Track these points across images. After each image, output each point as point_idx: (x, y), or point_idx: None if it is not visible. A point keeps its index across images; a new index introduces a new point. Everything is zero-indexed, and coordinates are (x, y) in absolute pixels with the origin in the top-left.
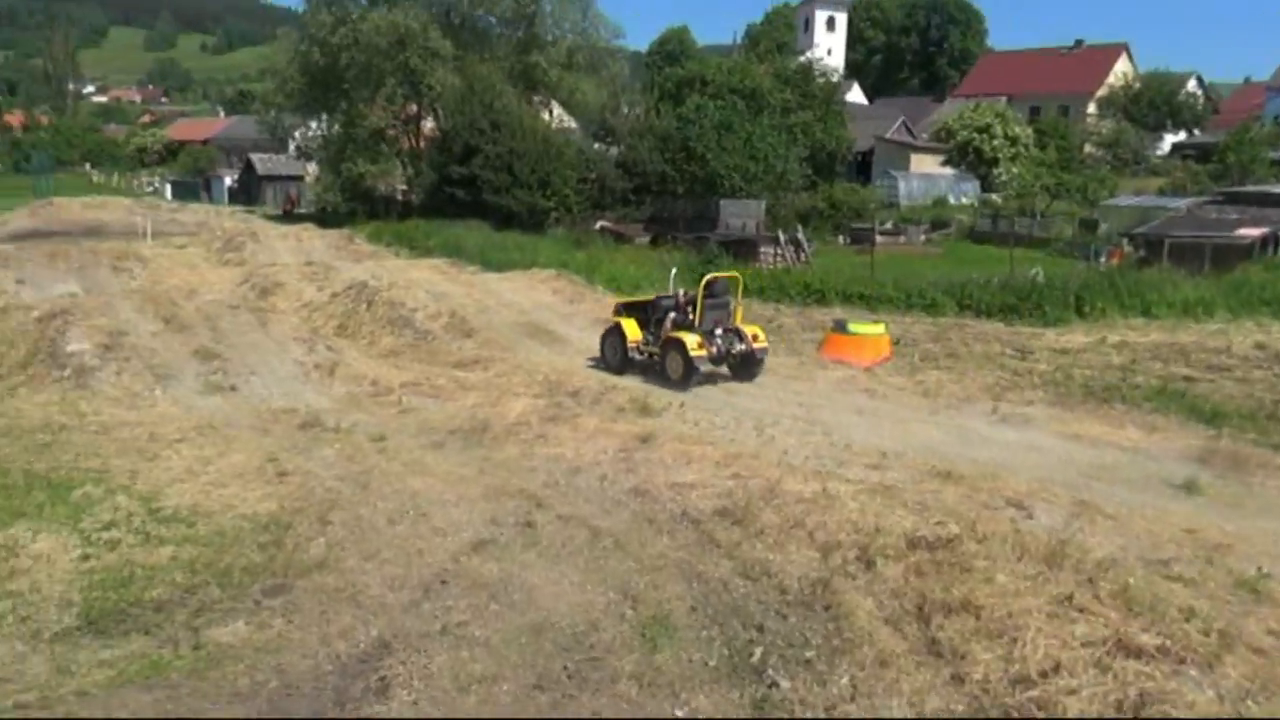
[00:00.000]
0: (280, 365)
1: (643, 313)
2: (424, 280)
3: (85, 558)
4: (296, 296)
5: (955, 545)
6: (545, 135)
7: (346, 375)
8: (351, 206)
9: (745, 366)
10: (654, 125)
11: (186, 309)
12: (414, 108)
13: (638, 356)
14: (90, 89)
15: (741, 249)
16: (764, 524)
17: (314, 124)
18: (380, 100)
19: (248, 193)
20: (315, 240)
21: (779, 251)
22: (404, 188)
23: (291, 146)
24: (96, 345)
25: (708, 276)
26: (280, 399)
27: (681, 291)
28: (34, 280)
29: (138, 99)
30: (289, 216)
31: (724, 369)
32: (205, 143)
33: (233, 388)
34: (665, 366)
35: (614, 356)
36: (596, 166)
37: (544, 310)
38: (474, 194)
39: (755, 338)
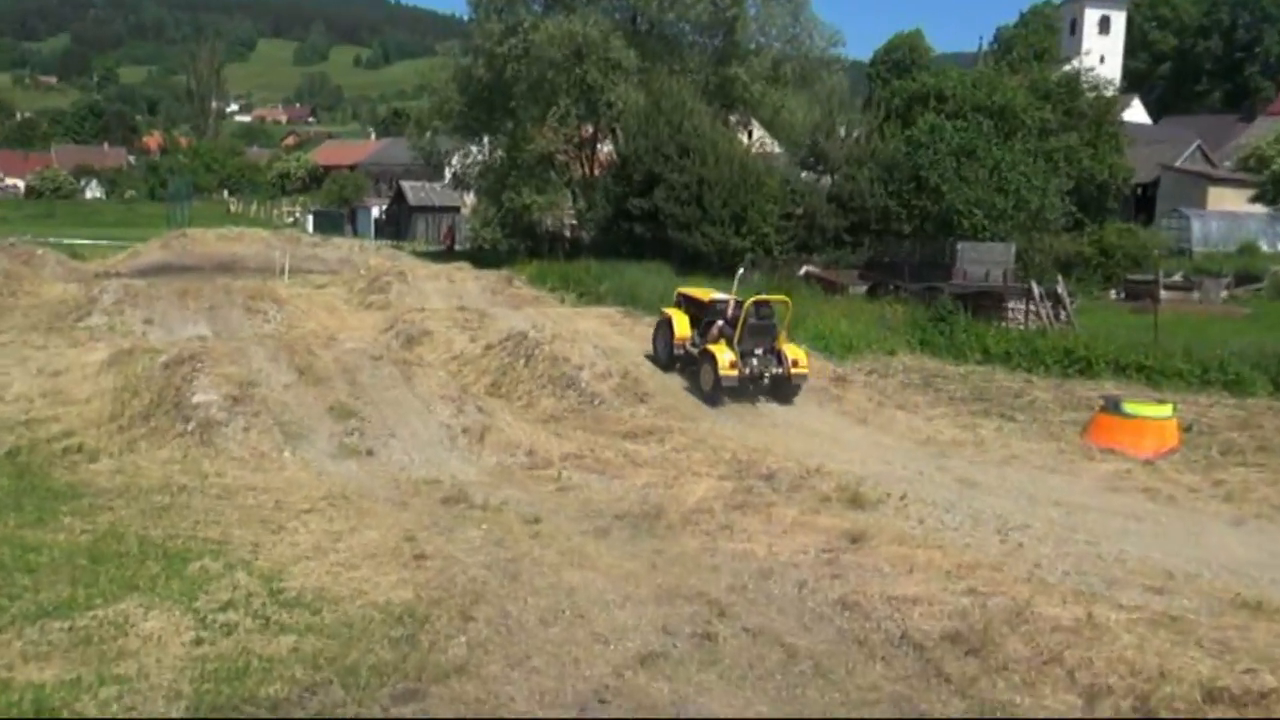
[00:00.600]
0: (424, 427)
1: (698, 310)
2: (592, 332)
3: (199, 642)
4: (446, 347)
5: (1270, 702)
6: (743, 162)
7: (498, 442)
8: (512, 243)
9: (780, 390)
10: (877, 150)
11: (323, 358)
12: (589, 129)
13: (681, 354)
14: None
15: (983, 303)
16: (1008, 656)
17: (474, 148)
18: (551, 121)
19: (396, 225)
20: (469, 282)
21: (1032, 308)
22: (573, 222)
23: (448, 174)
24: (224, 397)
25: (755, 298)
26: (422, 467)
27: (734, 300)
28: (163, 321)
29: (284, 119)
30: (449, 253)
31: (761, 388)
32: (353, 168)
33: (369, 452)
34: (699, 373)
35: (664, 351)
36: (804, 200)
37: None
38: (655, 230)
39: (796, 363)
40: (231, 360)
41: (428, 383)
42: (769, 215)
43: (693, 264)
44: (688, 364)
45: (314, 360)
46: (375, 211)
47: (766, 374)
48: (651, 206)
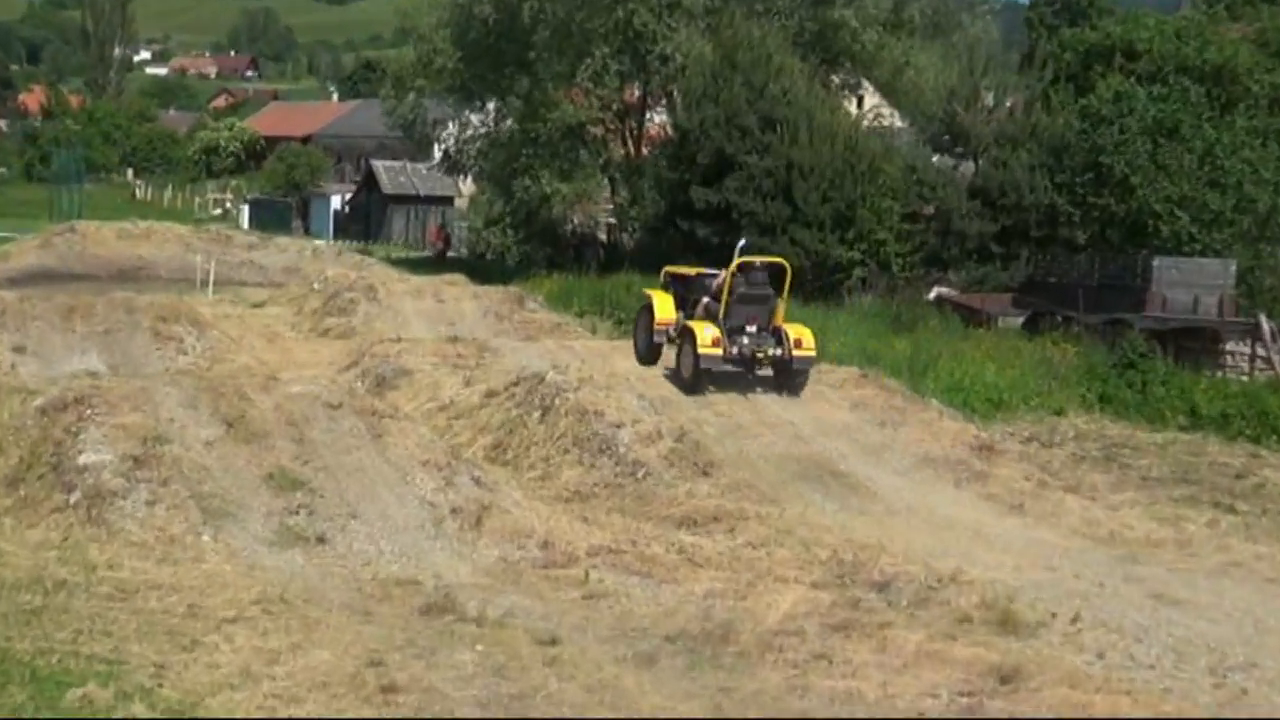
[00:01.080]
0: (398, 505)
1: (684, 288)
2: (636, 375)
3: None
4: (431, 393)
5: None
6: (851, 140)
7: (502, 529)
8: (526, 249)
9: (783, 376)
10: (1039, 126)
11: (260, 406)
12: (635, 92)
13: (662, 342)
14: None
15: (1189, 344)
16: None
17: (474, 117)
18: (582, 80)
19: (365, 221)
20: (466, 302)
21: (1260, 351)
22: (611, 221)
23: (437, 152)
24: (122, 457)
25: (741, 259)
26: (394, 561)
27: (725, 273)
28: (40, 349)
29: (213, 71)
30: (440, 261)
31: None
32: (306, 140)
33: (321, 538)
34: (677, 360)
35: (644, 342)
36: (935, 194)
37: (836, 436)
38: (725, 233)
39: (799, 342)
40: (133, 406)
41: (405, 443)
42: (886, 216)
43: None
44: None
45: (247, 408)
46: (336, 202)
47: (761, 355)
48: (721, 201)
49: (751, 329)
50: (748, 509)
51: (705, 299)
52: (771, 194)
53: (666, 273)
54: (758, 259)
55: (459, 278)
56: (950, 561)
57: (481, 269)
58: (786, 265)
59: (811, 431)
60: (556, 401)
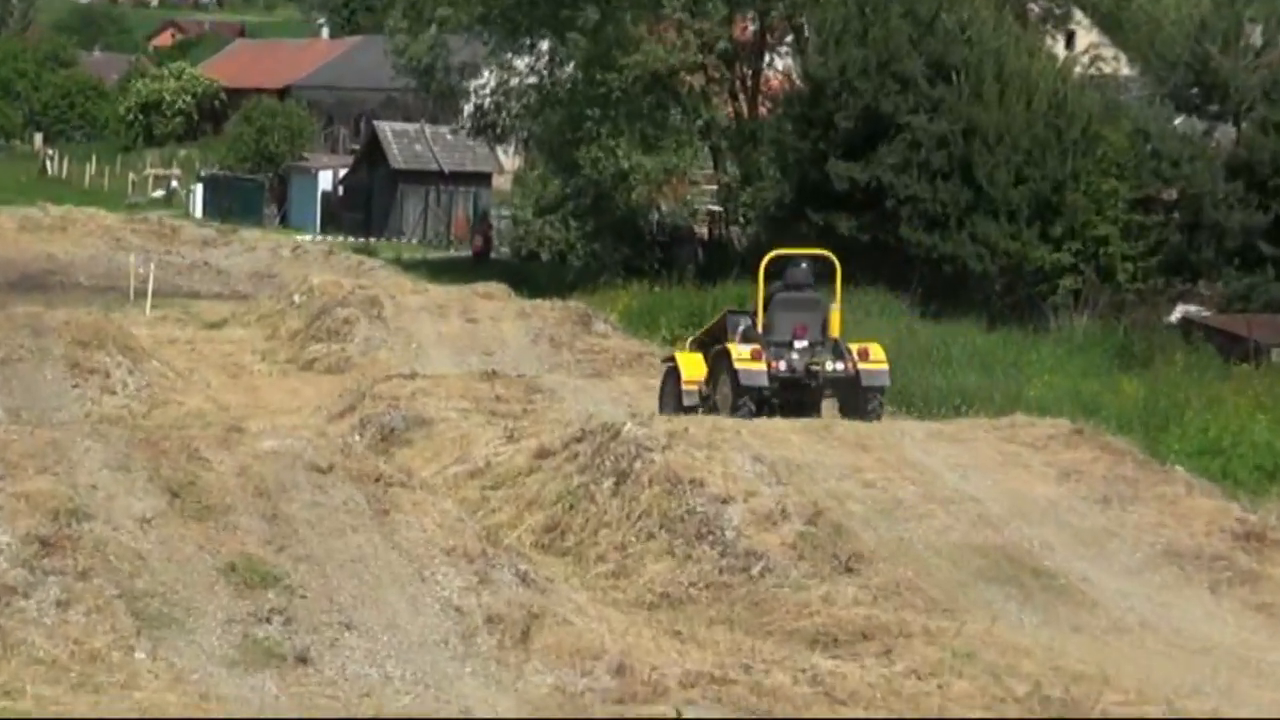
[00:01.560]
0: (411, 612)
1: (712, 339)
2: (751, 429)
3: None
4: (458, 452)
5: None
6: (1057, 96)
7: (558, 646)
8: (594, 248)
9: (850, 400)
10: None
11: (218, 469)
12: (749, 26)
13: (694, 404)
14: None
15: None
16: None
17: (518, 61)
18: (674, 9)
19: (366, 207)
20: (509, 322)
21: None
22: (711, 206)
23: (466, 111)
24: (24, 540)
25: (777, 253)
26: (405, 691)
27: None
28: None
29: None
30: (479, 263)
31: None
32: (284, 94)
33: (302, 658)
34: (714, 395)
35: (669, 409)
36: (1179, 172)
37: (1038, 517)
38: (880, 228)
39: (864, 353)
40: (40, 468)
41: (421, 522)
42: (1108, 203)
43: (953, 293)
44: (707, 410)
45: (200, 472)
46: (325, 180)
47: (818, 371)
48: (870, 180)
49: (800, 343)
50: (910, 622)
51: (742, 327)
52: (944, 171)
53: (693, 341)
54: (796, 251)
55: (499, 288)
56: (1205, 701)
57: (531, 275)
58: (833, 258)
59: (1002, 511)
60: (637, 465)
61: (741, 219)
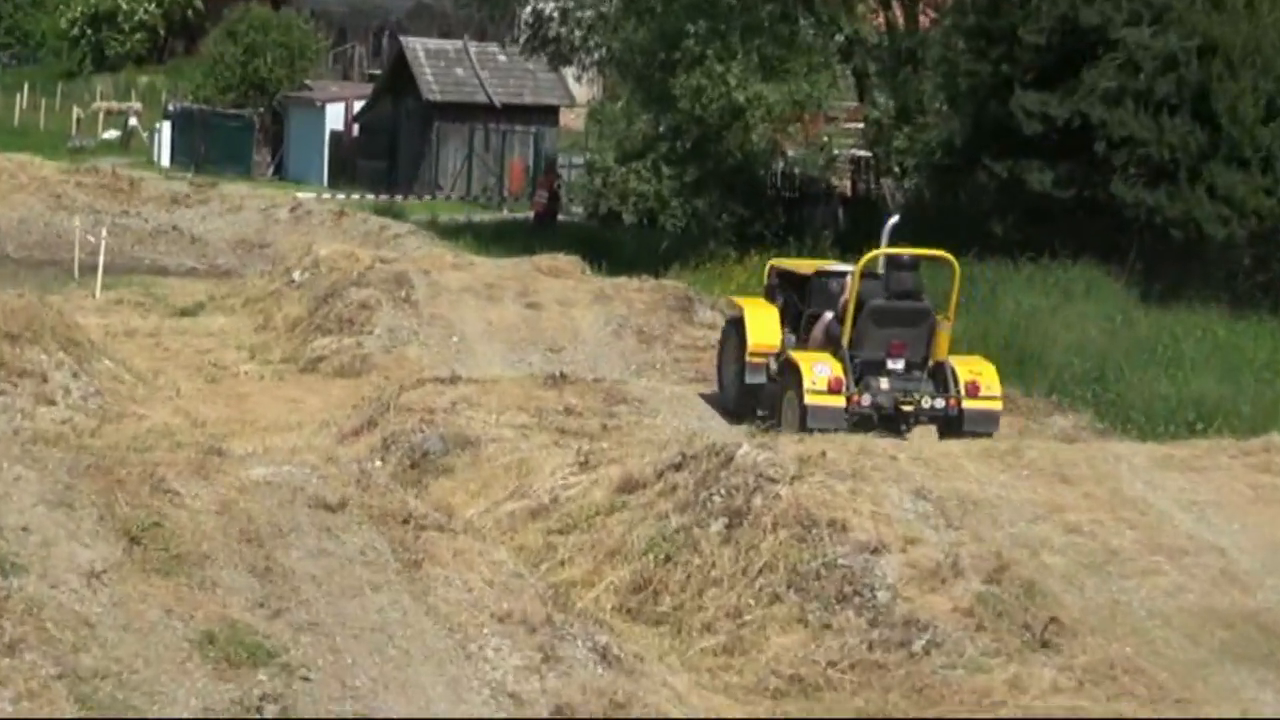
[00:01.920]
0: (451, 698)
1: (797, 292)
2: (908, 454)
3: None
4: (512, 483)
5: None
6: None
7: None
8: (697, 207)
9: (950, 429)
10: None
11: (192, 505)
12: None
13: (760, 383)
14: None
15: None
16: None
17: None
18: None
19: (391, 153)
20: (582, 308)
21: None
22: (859, 152)
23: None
24: None
25: (881, 251)
26: None
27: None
28: None
29: None
30: (540, 226)
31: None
32: (278, 1)
33: None
34: (781, 412)
35: (733, 381)
36: None
37: None
38: (1082, 180)
39: (974, 386)
40: None
41: (465, 578)
42: None
43: (1184, 269)
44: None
45: (167, 510)
46: (335, 117)
47: (912, 408)
48: (1072, 117)
49: (896, 365)
50: (1131, 713)
51: (828, 315)
52: (1171, 104)
53: (773, 269)
54: (905, 250)
55: (570, 261)
56: None
57: (611, 244)
58: (953, 261)
59: (1255, 566)
60: (756, 502)
61: (896, 168)
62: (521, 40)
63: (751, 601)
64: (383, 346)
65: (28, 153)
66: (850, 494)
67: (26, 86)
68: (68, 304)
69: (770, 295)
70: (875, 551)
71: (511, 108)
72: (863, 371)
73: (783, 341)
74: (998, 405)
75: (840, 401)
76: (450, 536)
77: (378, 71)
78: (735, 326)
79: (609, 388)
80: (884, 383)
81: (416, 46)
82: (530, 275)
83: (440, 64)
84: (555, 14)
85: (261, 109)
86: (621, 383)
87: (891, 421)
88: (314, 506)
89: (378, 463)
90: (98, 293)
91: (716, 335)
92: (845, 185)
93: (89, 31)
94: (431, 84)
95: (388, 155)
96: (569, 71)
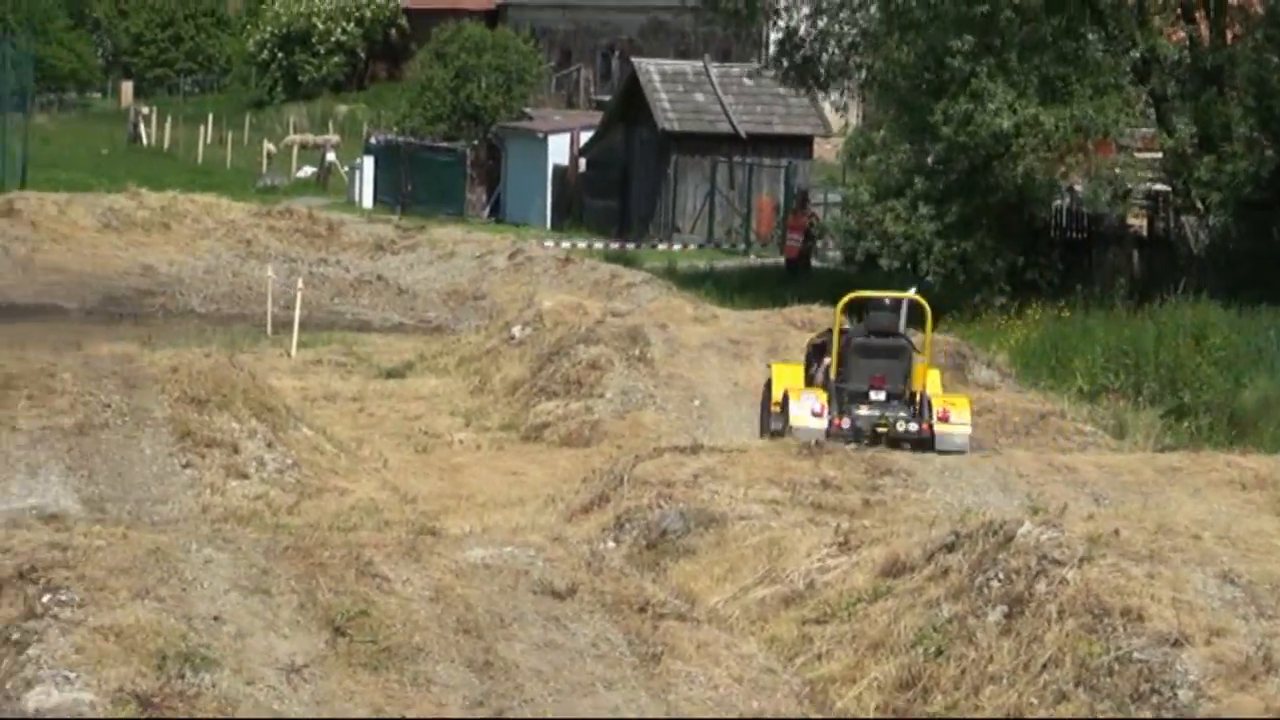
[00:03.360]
0: None
1: (819, 356)
2: (1213, 532)
3: None
4: (762, 566)
5: None
6: None
7: None
8: (963, 250)
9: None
10: None
11: (402, 592)
12: None
13: (779, 430)
14: None
15: None
16: None
17: None
18: None
19: (622, 192)
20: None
21: None
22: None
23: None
24: (115, 698)
25: (856, 295)
26: None
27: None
28: None
29: None
30: (793, 271)
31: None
32: (494, 17)
33: None
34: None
35: (765, 430)
36: None
37: None
38: None
39: (945, 415)
40: (137, 589)
41: (711, 673)
42: None
43: None
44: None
45: (375, 597)
46: (559, 149)
47: (888, 430)
48: None
49: (878, 395)
50: None
51: (828, 360)
52: None
53: (810, 345)
54: (880, 294)
55: (826, 313)
56: None
57: (875, 289)
58: (924, 304)
59: None
60: (1040, 587)
61: (1199, 204)
62: (771, 61)
63: (1035, 700)
64: (615, 411)
65: (213, 193)
66: (1147, 578)
67: (211, 118)
68: (260, 364)
69: (807, 365)
70: (1176, 644)
71: (759, 138)
72: (848, 400)
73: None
74: (967, 429)
75: (819, 424)
76: (693, 627)
77: (607, 97)
78: (766, 386)
79: (871, 458)
80: (864, 410)
81: (651, 69)
82: (781, 330)
83: (678, 88)
84: (810, 31)
85: (475, 141)
86: (885, 451)
87: (869, 442)
88: (539, 593)
89: (610, 543)
90: (293, 351)
91: (994, 398)
92: (1141, 225)
93: (280, 55)
94: (668, 111)
95: (618, 193)
96: (825, 97)
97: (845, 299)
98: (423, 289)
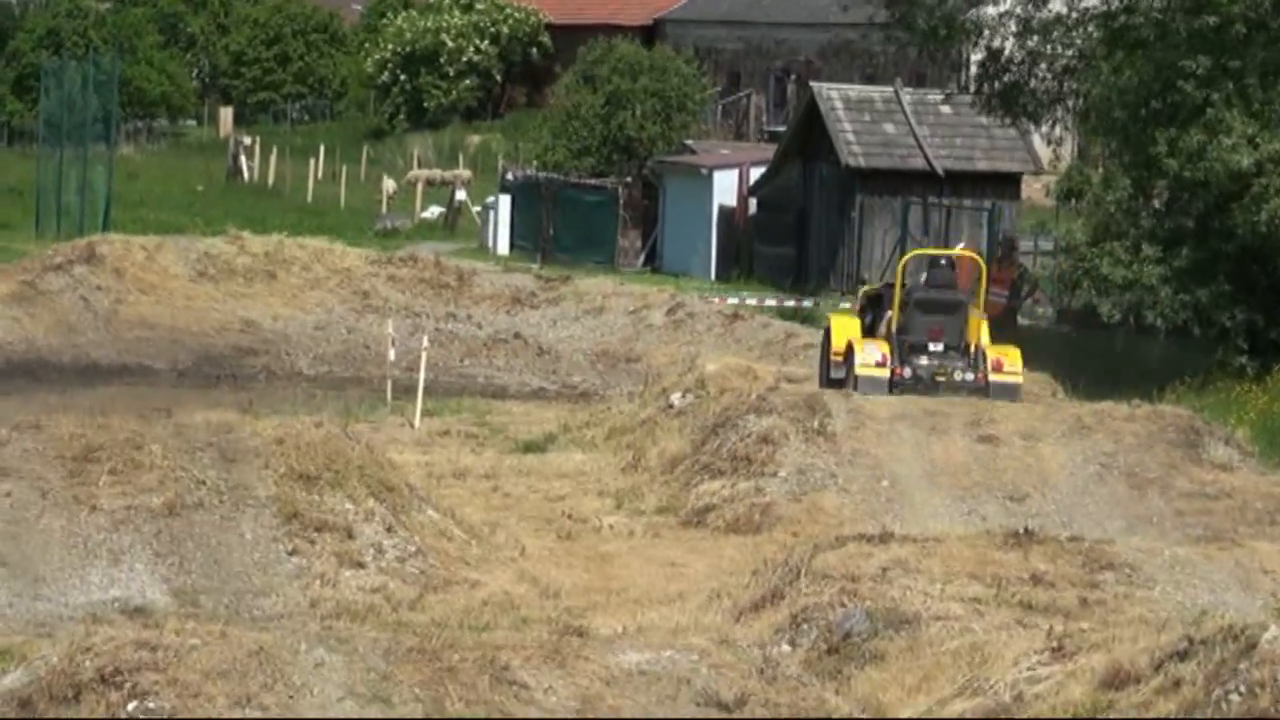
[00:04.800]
0: None
1: (876, 308)
2: None
3: None
4: (962, 676)
5: None
6: None
7: None
8: (1193, 300)
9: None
10: None
11: (544, 701)
12: None
13: (840, 378)
14: None
15: None
16: None
17: None
18: None
19: (799, 237)
20: (1050, 444)
21: None
22: None
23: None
24: None
25: (914, 253)
26: None
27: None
28: (16, 552)
29: None
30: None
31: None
32: (651, 34)
33: None
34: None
35: (824, 382)
36: None
37: None
38: None
39: (999, 364)
40: (239, 695)
41: None
42: None
43: None
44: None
45: (511, 707)
46: (726, 187)
47: (945, 379)
48: None
49: (936, 346)
50: None
51: (888, 313)
52: None
53: (864, 295)
54: (941, 251)
55: (1037, 379)
56: None
57: (1090, 353)
58: (979, 260)
59: None
60: None
61: None
62: (972, 86)
63: None
64: (790, 493)
65: (325, 236)
66: None
67: (322, 149)
68: (379, 436)
69: (861, 315)
70: None
71: (958, 175)
72: (909, 351)
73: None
74: (1019, 379)
75: (884, 372)
76: None
77: (781, 128)
78: (825, 338)
79: (1089, 549)
80: (924, 360)
81: (833, 95)
82: (984, 400)
83: (864, 118)
84: (1018, 53)
85: (629, 178)
86: (1106, 542)
87: (929, 389)
88: (704, 704)
89: (785, 647)
90: (417, 421)
91: (1233, 480)
92: None
93: (403, 77)
94: (853, 144)
95: (794, 239)
96: (1034, 129)
97: (907, 256)
98: (567, 349)
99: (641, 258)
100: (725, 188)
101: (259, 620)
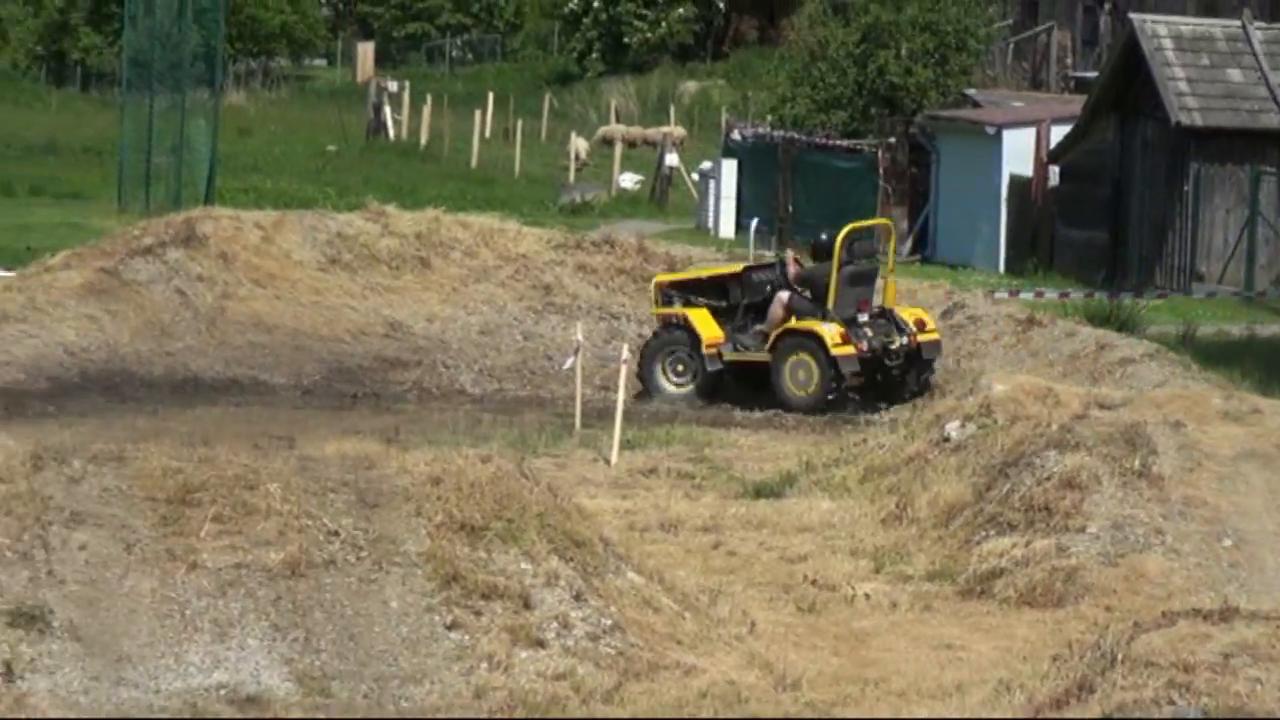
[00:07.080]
0: None
1: (718, 295)
2: None
3: None
4: None
5: None
6: None
7: None
8: None
9: (908, 372)
10: None
11: None
12: None
13: (720, 369)
14: None
15: None
16: None
17: None
18: None
19: (1114, 215)
20: None
21: None
22: None
23: None
24: None
25: (852, 227)
26: None
27: (792, 257)
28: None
29: None
30: None
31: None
32: None
33: None
34: (779, 381)
35: (680, 378)
36: None
37: None
38: None
39: (921, 324)
40: None
41: None
42: None
43: None
44: (741, 379)
45: None
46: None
47: (890, 345)
48: None
49: (862, 317)
50: None
51: (783, 294)
52: None
53: (663, 286)
54: (865, 223)
55: None
56: None
57: None
58: (891, 226)
59: None
60: None
61: None
62: None
63: None
64: (1102, 554)
65: (494, 213)
66: None
67: (491, 99)
68: (565, 474)
69: (675, 302)
70: None
71: None
72: (848, 326)
73: (726, 334)
74: (938, 335)
75: (853, 349)
76: None
77: (1091, 74)
78: (672, 327)
79: None
80: (869, 333)
81: (1160, 31)
82: None
83: (1201, 60)
84: None
85: (891, 139)
86: None
87: (884, 361)
88: None
89: None
90: (614, 456)
91: None
92: None
93: (596, 4)
94: (1185, 96)
95: (1108, 220)
96: None
97: (841, 234)
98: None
99: (909, 243)
100: (1018, 152)
101: (407, 714)
